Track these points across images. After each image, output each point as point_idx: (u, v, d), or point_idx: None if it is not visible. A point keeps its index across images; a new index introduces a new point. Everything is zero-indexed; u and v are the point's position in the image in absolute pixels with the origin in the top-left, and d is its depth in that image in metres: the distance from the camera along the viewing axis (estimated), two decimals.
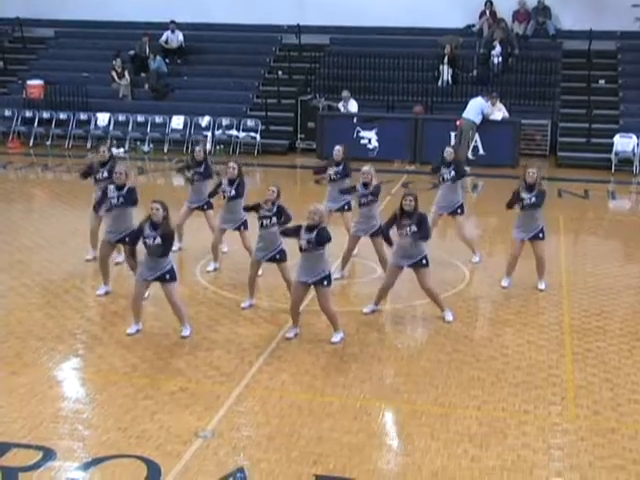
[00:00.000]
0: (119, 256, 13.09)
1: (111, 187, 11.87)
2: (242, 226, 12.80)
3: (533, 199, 12.22)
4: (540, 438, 8.22)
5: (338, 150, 13.84)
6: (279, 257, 11.28)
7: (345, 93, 23.87)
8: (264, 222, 11.09)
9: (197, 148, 14.15)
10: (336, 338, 10.49)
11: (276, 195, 11.20)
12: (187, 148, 24.46)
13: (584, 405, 8.92)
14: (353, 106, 23.75)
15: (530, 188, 12.20)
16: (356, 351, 10.23)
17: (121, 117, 25.36)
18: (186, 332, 10.62)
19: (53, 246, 14.62)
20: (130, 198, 11.85)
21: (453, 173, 13.91)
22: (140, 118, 25.25)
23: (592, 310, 11.80)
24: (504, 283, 12.74)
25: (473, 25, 27.11)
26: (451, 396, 9.08)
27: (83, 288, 12.68)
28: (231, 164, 12.93)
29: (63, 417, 8.46)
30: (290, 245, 11.00)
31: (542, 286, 12.66)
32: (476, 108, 22.27)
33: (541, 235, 12.46)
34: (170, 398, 8.89)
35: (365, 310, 11.54)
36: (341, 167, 13.70)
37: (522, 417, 8.66)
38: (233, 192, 12.69)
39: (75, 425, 8.29)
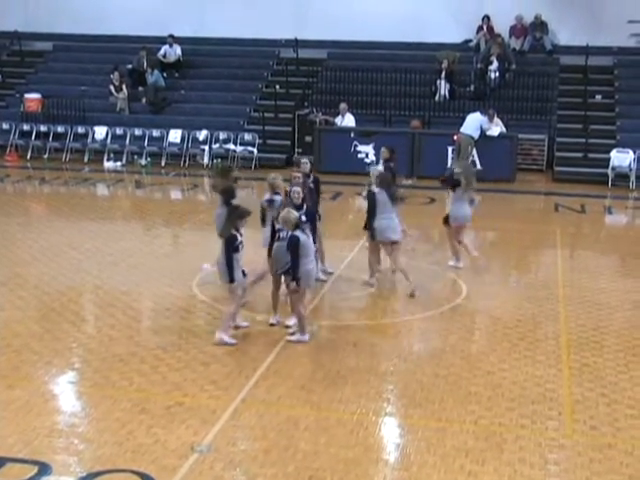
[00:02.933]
0: None
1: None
2: None
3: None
4: (537, 453, 8.20)
5: (297, 192, 11.76)
6: None
7: (342, 105, 23.93)
8: (281, 235, 11.10)
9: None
10: (292, 337, 10.79)
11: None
12: (184, 162, 24.51)
13: (581, 420, 8.91)
14: (350, 120, 23.78)
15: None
16: (353, 365, 10.21)
17: (119, 131, 25.39)
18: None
19: (50, 259, 14.60)
20: None
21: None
22: (138, 132, 25.29)
23: (589, 325, 11.79)
24: None
25: (470, 40, 27.20)
26: (448, 410, 9.06)
27: (80, 302, 12.68)
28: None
29: (59, 431, 8.43)
30: None
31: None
32: (474, 123, 22.31)
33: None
34: (166, 412, 8.87)
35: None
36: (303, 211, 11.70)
37: (519, 432, 8.64)
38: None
39: (71, 439, 8.26)
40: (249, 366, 10.09)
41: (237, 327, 11.08)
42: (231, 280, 10.50)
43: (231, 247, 10.47)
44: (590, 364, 10.38)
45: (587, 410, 9.13)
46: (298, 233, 10.49)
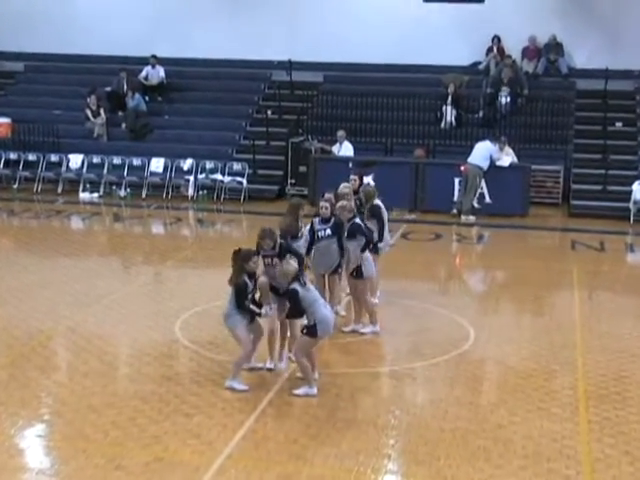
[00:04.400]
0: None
1: None
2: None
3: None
4: None
5: (325, 207, 12.99)
6: None
7: (340, 133, 23.98)
8: (266, 261, 11.28)
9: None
10: (299, 390, 10.75)
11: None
12: (167, 193, 24.53)
13: None
14: (348, 149, 23.85)
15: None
16: (350, 418, 10.17)
17: (95, 159, 25.38)
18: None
19: (19, 300, 14.56)
20: None
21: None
22: (116, 160, 25.28)
23: (609, 374, 11.76)
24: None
25: (479, 62, 27.38)
26: (454, 468, 9.01)
27: (51, 346, 12.62)
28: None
29: None
30: None
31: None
32: (483, 153, 22.37)
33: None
34: (145, 469, 8.80)
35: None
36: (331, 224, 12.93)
37: None
38: (329, 232, 12.84)
39: None
40: (236, 418, 10.04)
41: (252, 369, 11.29)
42: (255, 318, 10.93)
43: (241, 296, 10.72)
44: (611, 418, 10.33)
45: (608, 469, 9.07)
46: (296, 286, 10.59)
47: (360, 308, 13.17)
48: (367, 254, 13.00)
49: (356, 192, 14.47)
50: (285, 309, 11.04)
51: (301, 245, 12.44)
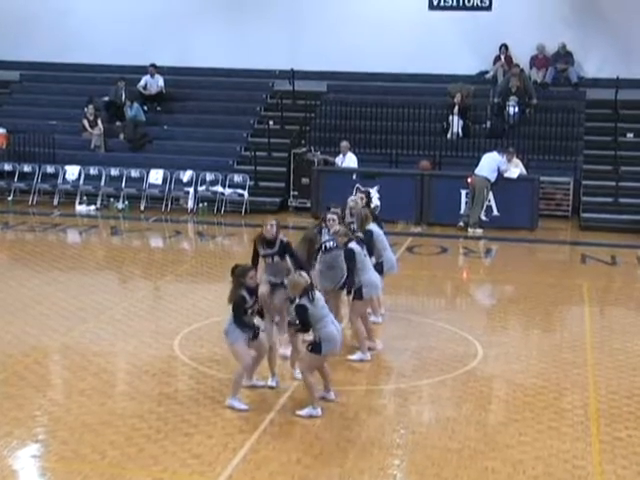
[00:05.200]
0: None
1: None
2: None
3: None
4: None
5: (332, 220, 13.27)
6: None
7: (344, 144, 23.99)
8: (267, 260, 11.38)
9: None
10: (302, 411, 10.67)
11: (276, 229, 11.36)
12: (166, 205, 24.53)
13: None
14: (352, 160, 23.85)
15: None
16: (354, 437, 10.15)
17: (93, 170, 25.37)
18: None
19: (13, 315, 14.55)
20: None
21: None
22: (114, 172, 25.27)
23: (622, 392, 11.73)
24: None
25: (486, 72, 27.41)
26: None
27: (46, 363, 12.61)
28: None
29: None
30: None
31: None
32: (491, 164, 22.36)
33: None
34: None
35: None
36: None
37: None
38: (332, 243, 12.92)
39: None
40: (237, 437, 10.02)
41: (253, 387, 11.33)
42: (254, 336, 10.87)
43: (239, 311, 10.74)
44: (623, 438, 10.30)
45: None
46: (305, 302, 10.58)
47: (367, 325, 13.12)
48: (368, 277, 12.82)
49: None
50: (288, 327, 11.03)
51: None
